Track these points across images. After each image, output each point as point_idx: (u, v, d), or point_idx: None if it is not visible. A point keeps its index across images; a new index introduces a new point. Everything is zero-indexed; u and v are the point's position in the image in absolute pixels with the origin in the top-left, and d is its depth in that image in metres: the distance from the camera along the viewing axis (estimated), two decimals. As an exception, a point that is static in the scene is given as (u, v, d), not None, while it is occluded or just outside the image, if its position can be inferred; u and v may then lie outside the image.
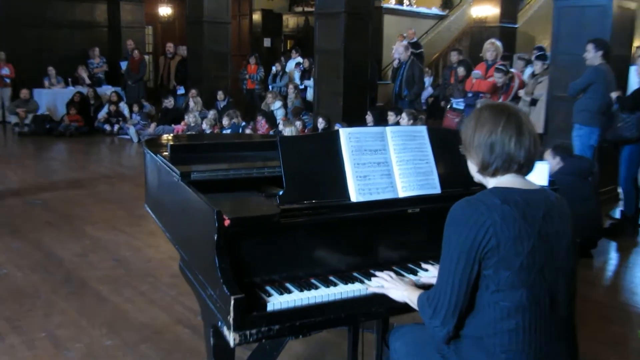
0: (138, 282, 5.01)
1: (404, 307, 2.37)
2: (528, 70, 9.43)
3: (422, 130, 2.90)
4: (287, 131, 9.46)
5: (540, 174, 2.58)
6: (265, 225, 2.43)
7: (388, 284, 2.42)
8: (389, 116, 9.14)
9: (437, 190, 2.80)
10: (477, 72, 8.82)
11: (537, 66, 8.60)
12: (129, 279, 5.10)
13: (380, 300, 2.45)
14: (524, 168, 2.04)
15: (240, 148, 3.57)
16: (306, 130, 10.52)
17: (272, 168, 2.98)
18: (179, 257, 2.96)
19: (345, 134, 2.71)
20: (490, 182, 2.08)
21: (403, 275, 2.59)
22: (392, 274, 2.51)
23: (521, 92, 8.52)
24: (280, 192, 2.56)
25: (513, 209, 1.93)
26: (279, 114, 12.10)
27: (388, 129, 2.84)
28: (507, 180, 2.04)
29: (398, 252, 2.75)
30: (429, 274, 2.61)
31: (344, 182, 2.65)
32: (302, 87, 13.35)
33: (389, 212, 2.70)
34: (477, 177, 2.14)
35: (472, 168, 2.13)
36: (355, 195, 2.64)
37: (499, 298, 1.94)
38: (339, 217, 2.61)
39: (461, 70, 9.41)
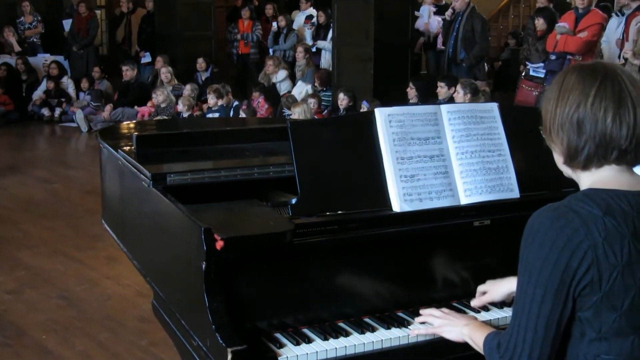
0: (95, 329, 5.04)
1: (473, 358, 2.36)
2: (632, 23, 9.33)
3: (492, 108, 2.89)
4: (297, 112, 9.47)
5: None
6: (273, 248, 2.44)
7: (440, 321, 2.43)
8: (439, 88, 9.15)
9: (514, 193, 2.80)
10: (563, 24, 8.78)
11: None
12: (82, 324, 5.12)
13: (437, 349, 2.45)
14: (629, 155, 1.99)
15: (233, 138, 3.58)
16: (324, 112, 10.53)
17: (279, 166, 2.99)
18: (152, 294, 2.97)
19: (382, 115, 2.71)
20: (584, 179, 2.05)
21: (466, 313, 2.59)
22: (444, 309, 2.52)
23: (627, 52, 8.47)
24: (293, 201, 2.56)
25: (620, 224, 1.89)
26: (284, 88, 12.13)
27: (444, 107, 2.83)
28: (607, 177, 2.01)
29: (460, 282, 2.76)
30: (505, 313, 2.59)
31: (382, 184, 2.65)
32: (315, 49, 13.38)
33: (446, 226, 2.70)
34: (566, 171, 2.12)
35: (557, 159, 2.11)
36: (398, 202, 2.64)
37: (602, 350, 1.92)
38: (376, 234, 2.61)
39: (540, 23, 9.37)
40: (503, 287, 2.55)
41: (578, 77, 2.01)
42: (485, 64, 11.86)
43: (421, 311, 2.55)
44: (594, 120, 1.96)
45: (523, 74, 9.66)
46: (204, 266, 2.29)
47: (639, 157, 2.00)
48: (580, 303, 1.92)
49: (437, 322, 2.43)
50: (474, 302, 2.63)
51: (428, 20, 11.79)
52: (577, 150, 2.00)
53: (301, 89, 11.74)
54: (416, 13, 12.02)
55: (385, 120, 2.71)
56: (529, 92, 9.26)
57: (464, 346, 2.33)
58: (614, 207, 1.91)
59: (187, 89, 12.13)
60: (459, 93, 8.58)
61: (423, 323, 2.51)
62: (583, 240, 1.87)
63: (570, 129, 1.99)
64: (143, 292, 5.28)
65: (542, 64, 9.06)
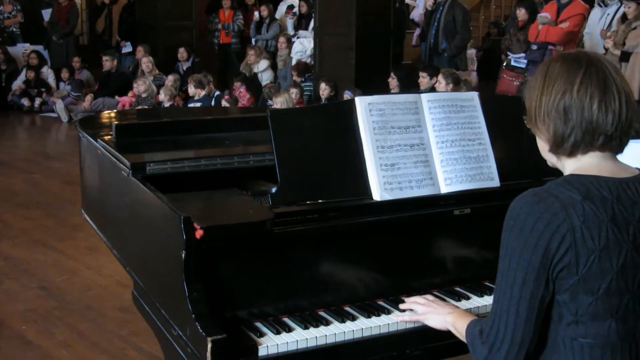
0: (75, 319, 5.01)
1: (455, 346, 2.37)
2: (611, 11, 9.36)
3: (472, 97, 2.89)
4: (279, 102, 9.45)
5: (636, 155, 2.56)
6: (254, 237, 2.43)
7: (423, 309, 2.44)
8: (421, 78, 9.15)
9: (494, 182, 2.81)
10: (545, 14, 8.80)
11: (630, 7, 8.56)
12: (63, 314, 5.10)
13: (418, 337, 2.46)
14: (614, 142, 2.00)
15: (214, 128, 3.57)
16: (305, 101, 10.52)
17: (259, 155, 2.98)
18: (132, 284, 2.96)
19: (363, 104, 2.71)
20: (568, 166, 2.06)
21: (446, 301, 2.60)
22: (428, 296, 2.55)
23: (607, 43, 8.50)
24: (273, 190, 2.56)
25: (599, 208, 1.91)
26: (266, 79, 12.10)
27: (424, 96, 2.83)
28: (590, 163, 2.01)
29: (440, 271, 2.76)
30: (486, 301, 2.60)
31: (363, 173, 2.66)
32: (297, 39, 13.35)
33: (427, 215, 2.71)
34: (550, 159, 2.12)
35: (542, 147, 2.11)
36: (378, 191, 2.64)
37: (579, 333, 1.93)
38: (357, 222, 2.61)
39: (522, 13, 9.39)
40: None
41: (563, 65, 2.02)
42: (475, 54, 11.92)
43: (405, 299, 2.56)
44: (580, 107, 1.97)
45: (504, 64, 9.68)
46: (183, 255, 2.28)
47: (624, 143, 2.03)
48: (557, 285, 1.94)
49: (421, 310, 2.44)
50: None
51: (423, 11, 11.78)
52: (563, 138, 2.01)
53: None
54: (411, 3, 12.01)
55: (366, 109, 2.70)
56: (510, 82, 9.29)
57: (447, 334, 2.35)
58: (594, 192, 1.93)
59: (169, 79, 12.09)
60: (441, 83, 8.58)
61: (406, 311, 2.51)
62: (562, 223, 1.89)
63: (557, 117, 2.00)
64: (123, 282, 5.26)
65: (523, 54, 9.09)
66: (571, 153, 2.02)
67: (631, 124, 2.00)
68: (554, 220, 1.89)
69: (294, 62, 11.86)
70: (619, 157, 2.06)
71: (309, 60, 11.83)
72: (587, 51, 2.10)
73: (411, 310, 2.50)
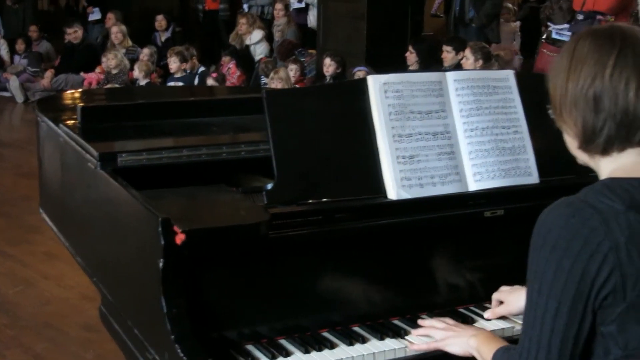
0: (30, 339, 5.02)
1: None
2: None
3: (507, 77, 2.90)
4: (276, 81, 9.46)
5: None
6: (245, 242, 2.43)
7: (442, 333, 2.43)
8: (445, 53, 9.16)
9: (533, 178, 2.82)
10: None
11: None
12: (16, 332, 5.11)
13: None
14: None
15: (198, 111, 3.58)
16: (306, 80, 10.52)
17: (252, 145, 2.99)
18: (99, 297, 2.96)
19: (377, 84, 2.71)
20: (603, 167, 2.04)
21: (474, 321, 2.61)
22: (448, 319, 2.53)
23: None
24: (269, 186, 2.56)
25: None
26: (260, 52, 12.10)
27: (449, 75, 2.83)
28: (631, 163, 1.99)
29: (468, 284, 2.77)
30: (512, 323, 2.60)
31: (376, 166, 2.66)
32: (297, 5, 13.34)
33: (452, 217, 2.72)
34: (581, 157, 2.11)
35: (570, 142, 2.09)
36: (395, 188, 2.64)
37: (629, 369, 1.93)
38: (368, 226, 2.62)
39: (565, -24, 9.38)
40: (522, 297, 2.53)
41: (592, 44, 2.00)
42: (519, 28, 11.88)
43: (420, 322, 2.55)
44: (614, 94, 1.95)
45: (544, 36, 9.68)
46: (161, 264, 2.27)
47: None
48: (602, 316, 1.90)
49: (440, 335, 2.43)
50: (488, 314, 2.64)
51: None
52: (594, 132, 1.99)
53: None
54: None
55: (380, 89, 2.70)
56: (551, 58, 9.27)
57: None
58: (639, 199, 1.91)
59: (144, 52, 12.09)
60: (469, 59, 8.59)
61: (423, 336, 2.51)
62: (603, 241, 1.85)
63: (586, 107, 1.98)
64: (89, 295, 5.25)
65: (567, 26, 9.09)
66: (605, 150, 2.00)
67: None
68: (593, 238, 1.86)
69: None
70: None
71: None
72: (622, 25, 2.07)
73: (428, 336, 2.49)
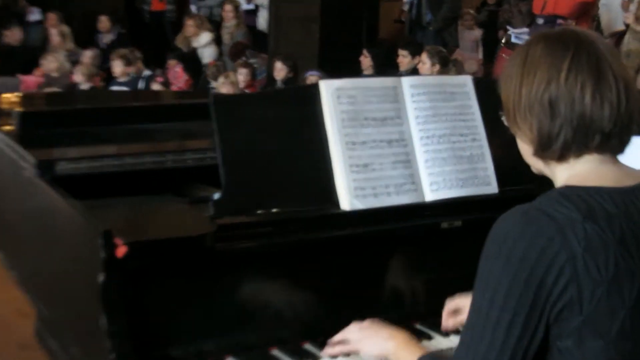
0: (-37, 357, 4.96)
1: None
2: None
3: (465, 82, 2.91)
4: (224, 85, 9.44)
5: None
6: (191, 255, 2.42)
7: (357, 334, 2.43)
8: (401, 58, 9.20)
9: (491, 188, 2.84)
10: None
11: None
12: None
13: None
14: (613, 140, 1.98)
15: (142, 117, 3.56)
16: (256, 84, 10.51)
17: (199, 152, 2.99)
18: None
19: (329, 89, 2.71)
20: (559, 174, 2.04)
21: (431, 338, 2.61)
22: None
23: (628, 17, 8.60)
24: (216, 196, 2.54)
25: (603, 229, 1.87)
26: (208, 55, 12.07)
27: (405, 80, 2.84)
28: (587, 170, 2.00)
29: (424, 298, 2.78)
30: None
31: (328, 175, 2.66)
32: (247, 7, 13.34)
33: (407, 229, 2.73)
34: (535, 164, 2.11)
35: (525, 149, 2.10)
36: (348, 198, 2.64)
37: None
38: (320, 237, 2.62)
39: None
40: None
41: (546, 48, 2.01)
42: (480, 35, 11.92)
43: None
44: (570, 99, 1.95)
45: (503, 41, 9.76)
46: (102, 279, 2.25)
47: (625, 141, 2.01)
48: (557, 329, 1.89)
49: (355, 336, 2.42)
50: (445, 323, 2.63)
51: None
52: (550, 137, 1.99)
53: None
54: None
55: (333, 95, 2.70)
56: (510, 63, 9.37)
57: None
58: (596, 208, 1.89)
59: (86, 55, 11.99)
60: (425, 63, 8.62)
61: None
62: (559, 250, 1.84)
63: (541, 112, 1.98)
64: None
65: (526, 30, 9.17)
66: (561, 157, 2.00)
67: (632, 118, 1.97)
68: (550, 247, 1.85)
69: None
70: (620, 158, 2.05)
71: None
72: (575, 29, 2.11)
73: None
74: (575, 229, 1.86)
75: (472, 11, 12.12)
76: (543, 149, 2.02)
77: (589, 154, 2.00)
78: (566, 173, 2.02)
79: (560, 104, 1.95)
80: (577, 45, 1.97)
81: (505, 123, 2.11)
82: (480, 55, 11.65)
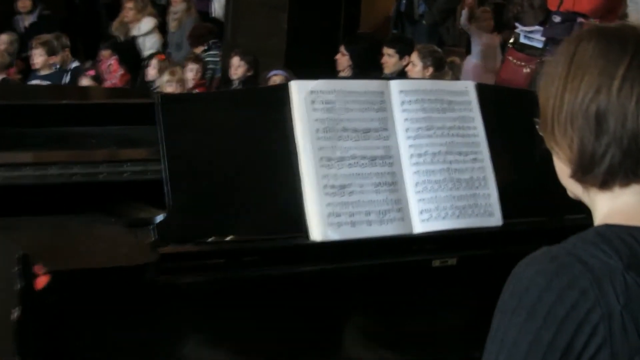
0: None
1: None
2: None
3: (466, 89, 2.92)
4: (170, 83, 9.42)
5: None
6: (128, 289, 2.41)
7: None
8: (386, 57, 9.23)
9: (495, 219, 2.84)
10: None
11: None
12: None
13: None
14: None
15: (70, 118, 3.54)
16: (211, 85, 10.51)
17: (139, 164, 2.98)
18: None
19: (302, 92, 2.72)
20: (600, 205, 2.02)
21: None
22: None
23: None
24: (159, 218, 2.55)
25: None
26: (150, 46, 12.06)
27: (395, 85, 2.84)
28: (634, 204, 1.97)
29: (410, 350, 2.76)
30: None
31: (297, 198, 2.66)
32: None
33: (392, 266, 2.73)
34: (573, 188, 2.09)
35: (561, 169, 2.07)
36: (320, 227, 2.64)
37: None
38: (285, 273, 2.62)
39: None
40: None
41: (599, 47, 1.99)
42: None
43: None
44: (622, 113, 1.93)
45: (511, 40, 9.79)
46: (16, 314, 2.24)
47: None
48: None
49: None
50: None
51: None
52: (593, 158, 1.97)
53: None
54: None
55: (306, 100, 2.71)
56: (518, 68, 9.38)
57: None
58: None
59: (2, 40, 11.96)
60: (416, 65, 8.64)
61: None
62: (593, 307, 1.80)
63: (585, 126, 1.96)
64: None
65: (539, 28, 9.19)
66: (604, 183, 1.97)
67: None
68: (583, 302, 1.82)
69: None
70: None
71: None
72: (635, 24, 2.07)
73: None
74: (615, 280, 1.83)
75: (488, 8, 12.11)
76: (583, 172, 1.99)
77: (638, 184, 1.97)
78: (608, 205, 2.00)
79: (609, 119, 1.92)
80: (637, 45, 1.95)
81: (540, 133, 2.07)
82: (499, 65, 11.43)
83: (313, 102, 2.72)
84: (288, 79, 7.62)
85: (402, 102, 2.82)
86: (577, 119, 1.96)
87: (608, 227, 1.94)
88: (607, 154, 1.94)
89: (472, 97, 2.91)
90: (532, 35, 9.33)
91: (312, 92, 2.73)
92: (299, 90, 2.72)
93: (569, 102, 1.97)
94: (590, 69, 1.96)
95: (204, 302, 2.53)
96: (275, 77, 9.22)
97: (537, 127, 2.08)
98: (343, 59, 9.66)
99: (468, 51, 11.96)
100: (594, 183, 2.00)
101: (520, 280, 1.89)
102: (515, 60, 9.47)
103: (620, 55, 1.95)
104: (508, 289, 1.90)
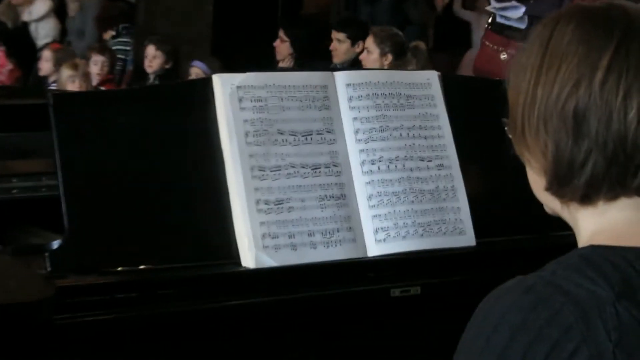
0: None
1: None
2: None
3: (429, 81, 2.94)
4: (70, 79, 9.39)
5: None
6: (17, 330, 2.38)
7: None
8: (335, 43, 9.26)
9: (466, 238, 2.85)
10: None
11: None
12: None
13: None
14: None
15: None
16: (122, 80, 10.50)
17: (31, 178, 2.99)
18: None
19: (228, 88, 2.73)
20: (583, 223, 2.00)
21: None
22: None
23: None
24: (55, 244, 2.55)
25: None
26: (45, 34, 12.02)
27: (341, 76, 2.86)
28: (623, 221, 1.97)
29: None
30: None
31: (224, 216, 2.67)
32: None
33: (342, 297, 2.74)
34: (550, 204, 2.09)
35: (535, 181, 2.06)
36: (252, 251, 2.65)
37: None
38: (209, 308, 2.62)
39: None
40: None
41: (579, 31, 1.97)
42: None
43: None
44: (606, 112, 1.91)
45: (489, 20, 9.85)
46: None
47: None
48: None
49: None
50: None
51: None
52: (572, 167, 1.94)
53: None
54: None
55: (233, 96, 2.72)
56: (494, 52, 9.43)
57: None
58: (635, 282, 1.90)
59: None
60: (372, 52, 8.67)
61: None
62: (579, 347, 1.79)
63: (562, 127, 1.93)
64: None
65: (515, 4, 9.25)
66: (586, 197, 1.95)
67: None
68: (566, 342, 1.80)
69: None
70: None
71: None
72: (626, 4, 2.05)
73: None
74: (604, 313, 1.81)
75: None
76: (560, 184, 1.97)
77: (627, 197, 1.95)
78: (593, 223, 1.99)
79: (590, 119, 1.89)
80: (626, 29, 1.93)
81: (509, 134, 2.05)
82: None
83: (241, 99, 2.73)
84: (207, 73, 7.61)
85: (350, 98, 2.84)
86: (552, 119, 1.94)
87: (594, 249, 1.92)
88: (589, 161, 1.91)
89: (436, 90, 2.93)
90: (508, 13, 9.37)
91: (239, 87, 2.74)
92: (224, 86, 2.72)
93: (542, 98, 1.95)
94: (569, 57, 1.94)
95: (112, 346, 2.52)
96: (196, 70, 9.23)
97: (505, 127, 2.07)
98: (283, 47, 9.68)
99: (464, 43, 11.99)
100: (574, 197, 1.98)
101: (488, 316, 1.86)
102: (491, 45, 9.49)
103: (604, 41, 1.92)
104: (473, 326, 1.87)
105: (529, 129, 1.98)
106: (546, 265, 1.89)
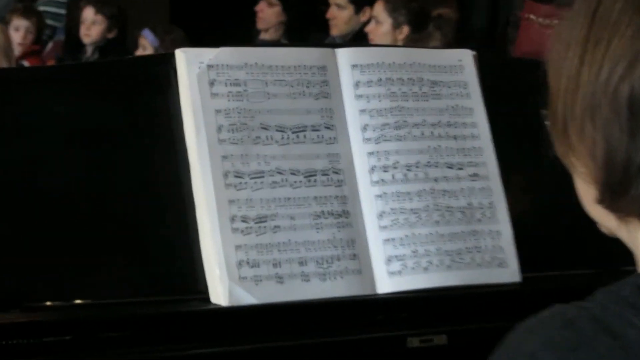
0: None
1: None
2: None
3: (462, 63, 2.95)
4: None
5: None
6: None
7: None
8: (334, 9, 9.24)
9: (509, 273, 2.85)
10: None
11: None
12: None
13: None
14: None
15: None
16: (51, 52, 10.51)
17: None
18: None
19: (195, 67, 2.73)
20: None
21: None
22: None
23: None
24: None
25: None
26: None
27: (344, 54, 2.87)
28: None
29: None
30: None
31: (190, 239, 2.69)
32: None
33: (343, 345, 2.73)
34: (604, 220, 2.08)
35: (584, 191, 2.07)
36: (225, 283, 2.65)
37: None
38: (170, 357, 2.63)
39: None
40: None
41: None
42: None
43: None
44: None
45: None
46: None
47: None
48: None
49: None
50: None
51: None
52: (628, 171, 1.95)
53: None
54: None
55: (201, 79, 2.73)
56: (543, 29, 9.46)
57: None
58: None
59: None
60: (382, 23, 8.69)
61: None
62: None
63: (614, 119, 1.93)
64: None
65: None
66: None
67: None
68: None
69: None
70: None
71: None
72: None
73: None
74: None
75: None
76: (615, 194, 1.94)
77: None
78: None
79: None
80: None
81: (549, 130, 2.03)
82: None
83: (212, 82, 2.73)
84: (157, 48, 7.58)
85: (357, 84, 2.85)
86: (600, 108, 1.91)
87: None
88: None
89: (470, 75, 2.94)
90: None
91: (211, 66, 2.74)
92: (190, 64, 2.73)
93: (587, 82, 1.92)
94: (621, 28, 1.92)
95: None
96: (143, 41, 9.24)
97: (544, 120, 2.04)
98: (269, 12, 9.69)
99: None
100: (632, 211, 1.95)
101: (516, 355, 1.88)
102: (537, 18, 9.53)
103: None
104: None
105: (573, 123, 1.96)
106: (594, 294, 1.89)
